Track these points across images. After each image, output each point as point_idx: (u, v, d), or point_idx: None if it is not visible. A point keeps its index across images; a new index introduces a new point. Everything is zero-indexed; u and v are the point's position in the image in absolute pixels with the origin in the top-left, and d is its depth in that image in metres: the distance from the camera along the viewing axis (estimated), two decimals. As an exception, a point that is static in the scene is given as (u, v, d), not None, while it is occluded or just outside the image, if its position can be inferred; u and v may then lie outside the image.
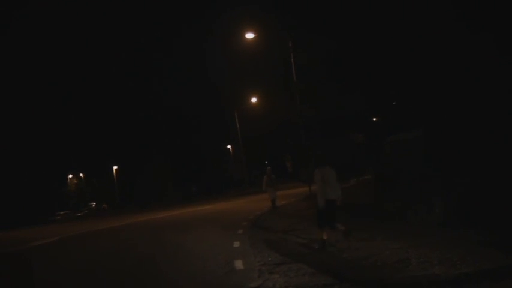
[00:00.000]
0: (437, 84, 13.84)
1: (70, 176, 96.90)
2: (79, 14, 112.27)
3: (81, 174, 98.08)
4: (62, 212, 75.13)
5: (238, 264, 10.63)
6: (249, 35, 34.15)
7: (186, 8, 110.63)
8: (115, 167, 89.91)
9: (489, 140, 12.26)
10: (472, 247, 9.43)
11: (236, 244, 13.93)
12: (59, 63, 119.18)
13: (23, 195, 76.97)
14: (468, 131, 13.01)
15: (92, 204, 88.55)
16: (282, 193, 32.60)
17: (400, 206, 15.10)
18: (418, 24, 13.96)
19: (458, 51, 13.14)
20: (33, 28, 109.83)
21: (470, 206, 12.23)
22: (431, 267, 8.26)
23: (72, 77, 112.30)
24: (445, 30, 13.28)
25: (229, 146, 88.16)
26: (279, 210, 25.57)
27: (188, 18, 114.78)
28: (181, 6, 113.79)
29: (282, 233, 15.54)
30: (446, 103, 13.76)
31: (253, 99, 61.27)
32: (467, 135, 12.98)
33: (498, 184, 11.87)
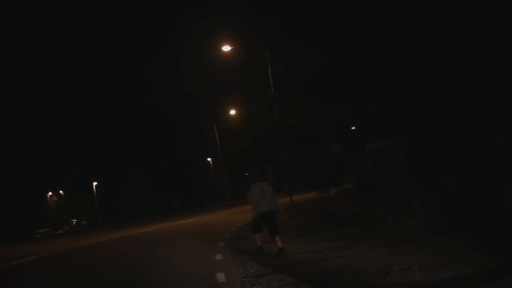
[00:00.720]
0: (415, 90, 13.96)
1: (50, 193, 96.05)
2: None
3: (61, 191, 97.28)
4: (42, 230, 74.30)
5: (221, 277, 10.58)
6: (226, 48, 34.17)
7: (162, 22, 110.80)
8: (95, 183, 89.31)
9: (469, 145, 12.36)
10: (452, 252, 9.49)
11: (218, 257, 13.88)
12: (35, 80, 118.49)
13: (2, 213, 76.11)
14: (446, 137, 13.11)
15: (72, 221, 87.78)
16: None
17: (381, 214, 15.17)
18: (395, 33, 14.10)
19: (435, 59, 13.27)
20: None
21: (450, 211, 12.32)
22: (412, 274, 8.29)
23: (50, 94, 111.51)
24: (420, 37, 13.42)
25: (209, 159, 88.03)
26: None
27: (164, 31, 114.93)
28: (155, 21, 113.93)
29: (264, 244, 15.52)
30: (423, 109, 13.88)
31: (232, 112, 61.19)
32: (445, 141, 13.09)
33: (478, 189, 11.97)
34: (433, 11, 12.75)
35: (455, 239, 10.85)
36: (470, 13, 12.10)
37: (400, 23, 13.57)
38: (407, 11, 13.40)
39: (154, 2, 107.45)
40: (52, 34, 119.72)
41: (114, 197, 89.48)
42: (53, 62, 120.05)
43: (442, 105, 13.03)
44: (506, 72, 11.73)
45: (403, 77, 14.11)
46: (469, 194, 12.03)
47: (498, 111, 11.75)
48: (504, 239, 9.99)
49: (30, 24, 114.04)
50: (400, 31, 13.60)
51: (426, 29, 12.99)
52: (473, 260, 8.62)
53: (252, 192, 13.28)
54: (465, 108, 12.43)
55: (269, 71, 30.27)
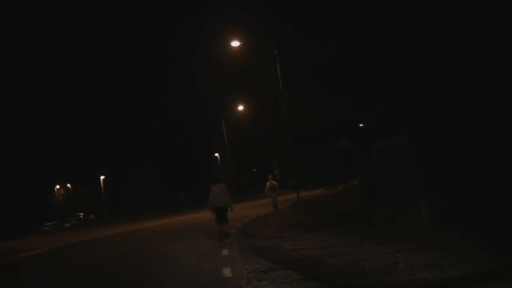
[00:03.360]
0: (425, 88, 13.89)
1: (57, 186, 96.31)
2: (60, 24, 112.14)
3: (68, 185, 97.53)
4: (49, 223, 74.56)
5: (227, 272, 10.62)
6: (235, 43, 34.17)
7: (171, 16, 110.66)
8: (102, 177, 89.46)
9: (477, 144, 12.33)
10: (459, 250, 9.46)
11: (224, 252, 13.92)
12: (43, 73, 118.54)
13: (10, 206, 76.34)
14: (455, 136, 13.08)
15: (79, 215, 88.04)
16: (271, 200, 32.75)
17: (388, 211, 15.14)
18: (405, 28, 14.01)
19: (444, 56, 13.19)
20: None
21: (457, 209, 12.29)
22: (418, 272, 8.28)
23: (58, 87, 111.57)
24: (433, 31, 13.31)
25: (217, 154, 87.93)
26: (268, 216, 25.99)
27: (173, 26, 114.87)
28: (166, 15, 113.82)
29: (270, 240, 15.54)
30: (432, 108, 13.83)
31: (240, 107, 61.25)
32: (454, 140, 13.06)
33: (485, 188, 11.94)
34: (449, 7, 12.68)
35: (462, 237, 10.82)
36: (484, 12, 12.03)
37: (414, 17, 13.47)
38: (422, 5, 13.32)
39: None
40: (65, 28, 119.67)
41: (121, 191, 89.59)
42: (60, 55, 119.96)
43: (451, 104, 12.98)
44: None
45: (413, 74, 14.04)
46: (477, 193, 12.00)
47: (507, 111, 11.70)
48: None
49: (39, 21, 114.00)
50: (414, 25, 13.50)
51: (440, 25, 12.92)
52: (480, 259, 8.59)
53: (211, 191, 17.59)
54: (474, 107, 12.39)
55: (278, 67, 30.26)
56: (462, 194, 12.43)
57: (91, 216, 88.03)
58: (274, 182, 30.76)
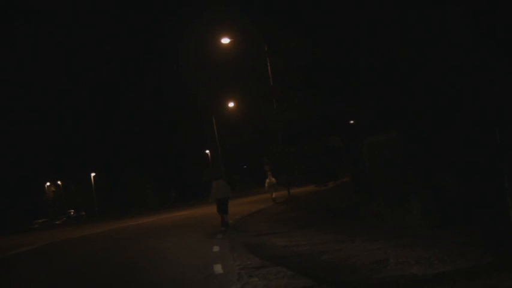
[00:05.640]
0: (415, 84, 13.88)
1: (48, 183, 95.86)
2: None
3: (59, 182, 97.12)
4: (40, 220, 74.14)
5: (218, 268, 10.61)
6: (225, 40, 34.15)
7: (162, 12, 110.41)
8: (93, 174, 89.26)
9: (468, 140, 12.34)
10: (449, 247, 9.50)
11: (215, 248, 13.90)
12: (35, 71, 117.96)
13: (0, 203, 75.95)
14: (446, 132, 13.09)
15: (70, 212, 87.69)
16: (262, 196, 32.89)
17: (379, 208, 15.17)
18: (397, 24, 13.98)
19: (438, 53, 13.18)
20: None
21: (448, 206, 12.33)
22: (409, 267, 8.31)
23: (48, 83, 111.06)
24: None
25: (208, 151, 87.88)
26: (259, 213, 26.06)
27: (164, 22, 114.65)
28: (156, 10, 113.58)
29: (261, 236, 15.54)
30: (423, 104, 13.82)
31: (231, 104, 61.16)
32: (445, 136, 13.07)
33: (476, 184, 11.96)
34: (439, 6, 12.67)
35: (453, 233, 10.86)
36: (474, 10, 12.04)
37: (403, 14, 13.47)
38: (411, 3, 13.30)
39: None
40: (51, 28, 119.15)
41: (112, 188, 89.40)
42: (51, 53, 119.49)
43: (442, 100, 12.99)
44: (505, 68, 11.70)
45: (403, 70, 14.04)
46: (467, 189, 12.03)
47: (496, 106, 11.72)
48: (501, 234, 10.01)
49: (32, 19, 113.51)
50: (403, 21, 13.50)
51: (429, 22, 12.92)
52: (470, 255, 8.64)
53: (213, 185, 20.74)
54: (465, 102, 12.40)
55: (268, 63, 30.23)
56: (453, 190, 12.46)
57: (82, 213, 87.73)
58: (273, 179, 33.43)
